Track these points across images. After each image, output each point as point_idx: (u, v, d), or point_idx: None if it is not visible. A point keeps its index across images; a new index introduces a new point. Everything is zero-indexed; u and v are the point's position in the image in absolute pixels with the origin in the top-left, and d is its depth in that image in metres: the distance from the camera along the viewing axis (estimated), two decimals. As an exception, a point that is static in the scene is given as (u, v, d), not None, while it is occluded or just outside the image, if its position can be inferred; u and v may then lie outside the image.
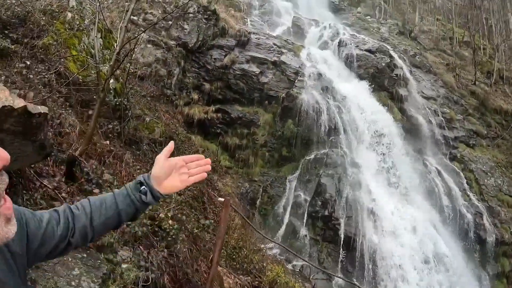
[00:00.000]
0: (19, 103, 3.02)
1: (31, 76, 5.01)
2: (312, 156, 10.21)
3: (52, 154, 4.18)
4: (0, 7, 5.53)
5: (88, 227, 1.16)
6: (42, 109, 3.33)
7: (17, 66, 4.91)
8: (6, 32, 5.40)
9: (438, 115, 14.58)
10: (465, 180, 13.46)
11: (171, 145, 1.30)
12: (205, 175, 1.33)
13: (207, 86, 10.66)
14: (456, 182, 13.10)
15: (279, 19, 15.36)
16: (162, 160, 1.27)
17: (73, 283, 3.07)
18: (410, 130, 12.84)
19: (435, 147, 13.78)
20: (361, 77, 12.40)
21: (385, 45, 14.41)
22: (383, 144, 11.42)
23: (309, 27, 14.41)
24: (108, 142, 6.22)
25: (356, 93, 11.62)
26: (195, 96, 10.52)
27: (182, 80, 10.79)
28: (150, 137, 7.83)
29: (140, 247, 4.30)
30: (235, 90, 10.82)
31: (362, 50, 13.01)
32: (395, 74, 13.26)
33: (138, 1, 5.31)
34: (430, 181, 12.41)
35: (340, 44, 13.11)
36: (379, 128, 11.39)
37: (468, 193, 13.08)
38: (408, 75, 14.17)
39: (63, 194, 4.07)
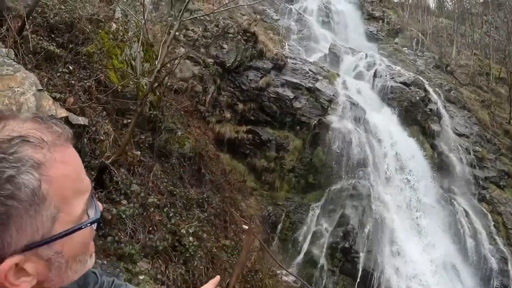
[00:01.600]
0: (61, 113, 3.16)
1: (73, 81, 5.21)
2: (338, 186, 10.14)
3: (85, 160, 4.37)
4: (49, 12, 5.79)
5: None
6: (82, 120, 3.49)
7: (60, 70, 5.11)
8: (53, 36, 5.64)
9: (470, 154, 14.19)
10: (492, 223, 12.98)
11: (216, 280, 1.21)
12: None
13: (240, 106, 10.85)
14: (483, 224, 12.65)
15: (317, 45, 15.49)
16: None
17: (91, 288, 3.15)
18: (440, 167, 12.56)
19: (464, 187, 13.39)
20: (394, 110, 12.29)
21: (421, 78, 14.26)
22: (411, 180, 11.23)
23: (345, 56, 14.46)
24: (139, 152, 6.38)
25: (388, 126, 11.51)
26: (228, 114, 10.71)
27: (216, 98, 11.02)
28: (180, 151, 7.99)
29: (159, 260, 4.36)
30: (268, 113, 10.95)
31: (397, 82, 12.92)
32: (428, 109, 13.07)
33: (182, 21, 5.50)
34: (456, 222, 12.06)
35: (375, 75, 13.07)
36: (408, 163, 11.22)
37: (495, 236, 12.58)
38: (442, 110, 13.94)
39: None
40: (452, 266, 10.63)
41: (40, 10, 5.56)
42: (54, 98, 4.48)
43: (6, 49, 3.58)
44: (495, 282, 11.14)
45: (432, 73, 16.95)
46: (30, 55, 4.70)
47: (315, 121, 10.76)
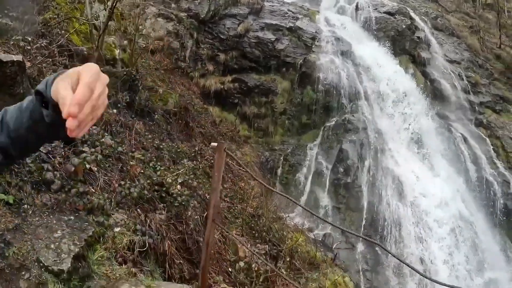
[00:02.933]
0: (-12, 51, 2.87)
1: (29, 47, 4.86)
2: (333, 123, 9.93)
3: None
4: (-3, -11, 5.40)
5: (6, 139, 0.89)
6: (16, 57, 3.17)
7: (13, 39, 4.78)
8: (6, 11, 5.30)
9: (463, 79, 13.91)
10: (491, 147, 12.88)
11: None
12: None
13: (222, 56, 10.43)
14: (482, 149, 12.54)
15: (293, -14, 14.86)
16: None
17: (52, 246, 2.81)
18: (434, 94, 12.33)
19: (460, 113, 13.20)
20: (380, 41, 11.91)
21: (405, 7, 13.77)
22: (405, 109, 11.02)
23: (325, -8, 13.89)
24: (115, 110, 6.04)
25: (376, 57, 11.17)
26: (211, 67, 10.31)
27: (196, 52, 10.58)
28: (164, 108, 7.69)
29: (138, 210, 3.95)
30: (251, 59, 10.56)
31: (380, 12, 12.46)
32: (416, 37, 12.68)
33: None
34: (455, 148, 11.94)
35: (357, 7, 12.59)
36: (401, 92, 10.97)
37: (495, 160, 12.50)
38: (430, 37, 13.54)
39: (58, 159, 3.74)
40: (456, 191, 10.60)
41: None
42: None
43: None
44: (499, 206, 11.14)
45: (416, 2, 16.36)
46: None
47: (301, 60, 10.41)
